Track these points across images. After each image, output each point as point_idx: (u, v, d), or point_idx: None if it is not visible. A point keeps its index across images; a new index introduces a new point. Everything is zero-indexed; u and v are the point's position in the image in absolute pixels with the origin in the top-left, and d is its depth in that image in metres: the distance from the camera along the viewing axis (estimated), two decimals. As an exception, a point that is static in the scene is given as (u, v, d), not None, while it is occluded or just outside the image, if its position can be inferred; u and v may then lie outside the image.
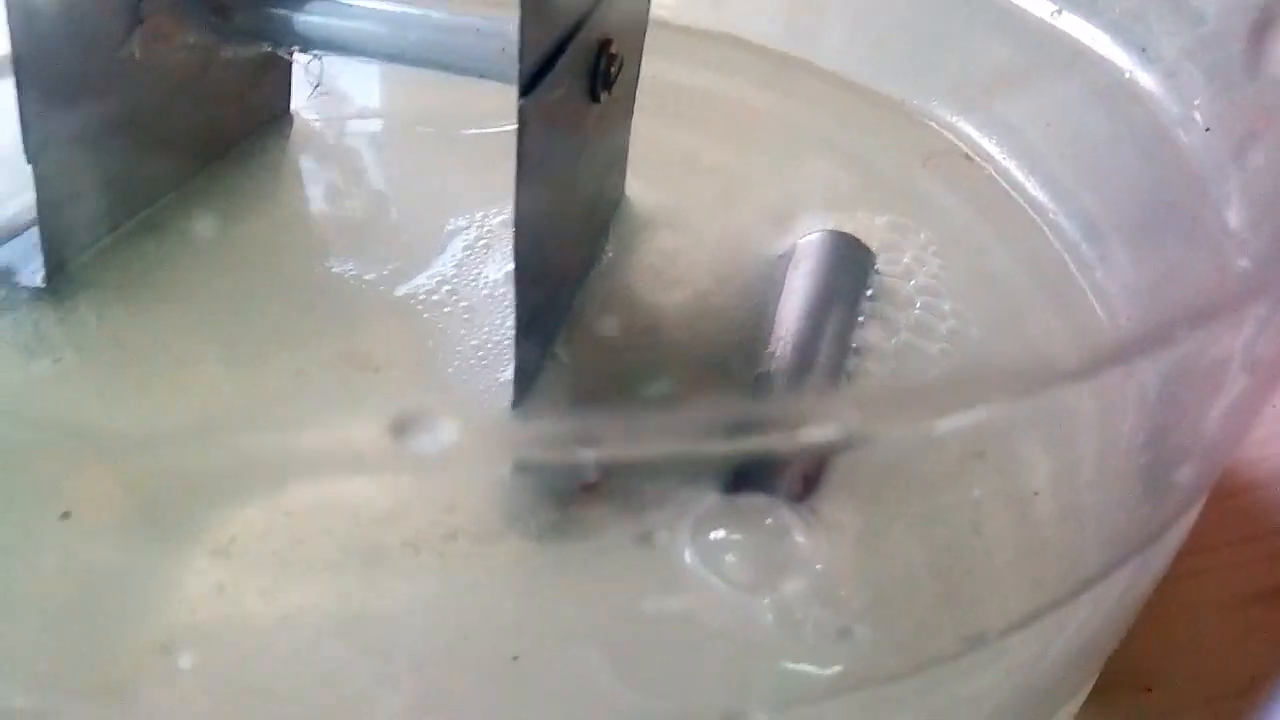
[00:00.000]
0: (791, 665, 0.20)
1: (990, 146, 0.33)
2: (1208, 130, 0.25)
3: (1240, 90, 0.26)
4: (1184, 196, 0.26)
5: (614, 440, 0.16)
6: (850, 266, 0.27)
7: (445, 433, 0.15)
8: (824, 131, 0.35)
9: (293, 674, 0.19)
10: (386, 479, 0.21)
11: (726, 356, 0.25)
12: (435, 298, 0.26)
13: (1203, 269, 0.26)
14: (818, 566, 0.21)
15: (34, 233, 0.23)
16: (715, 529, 0.21)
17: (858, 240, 0.28)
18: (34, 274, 0.24)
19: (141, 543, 0.21)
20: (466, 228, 0.28)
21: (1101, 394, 0.23)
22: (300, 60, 0.24)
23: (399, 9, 0.23)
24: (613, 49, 0.22)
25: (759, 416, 0.17)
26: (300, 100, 0.29)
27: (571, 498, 0.20)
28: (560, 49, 0.20)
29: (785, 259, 0.28)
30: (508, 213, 0.28)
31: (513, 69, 0.20)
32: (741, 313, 0.27)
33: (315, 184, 0.29)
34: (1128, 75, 0.29)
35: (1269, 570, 0.30)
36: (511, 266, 0.27)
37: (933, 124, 0.34)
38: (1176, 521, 0.21)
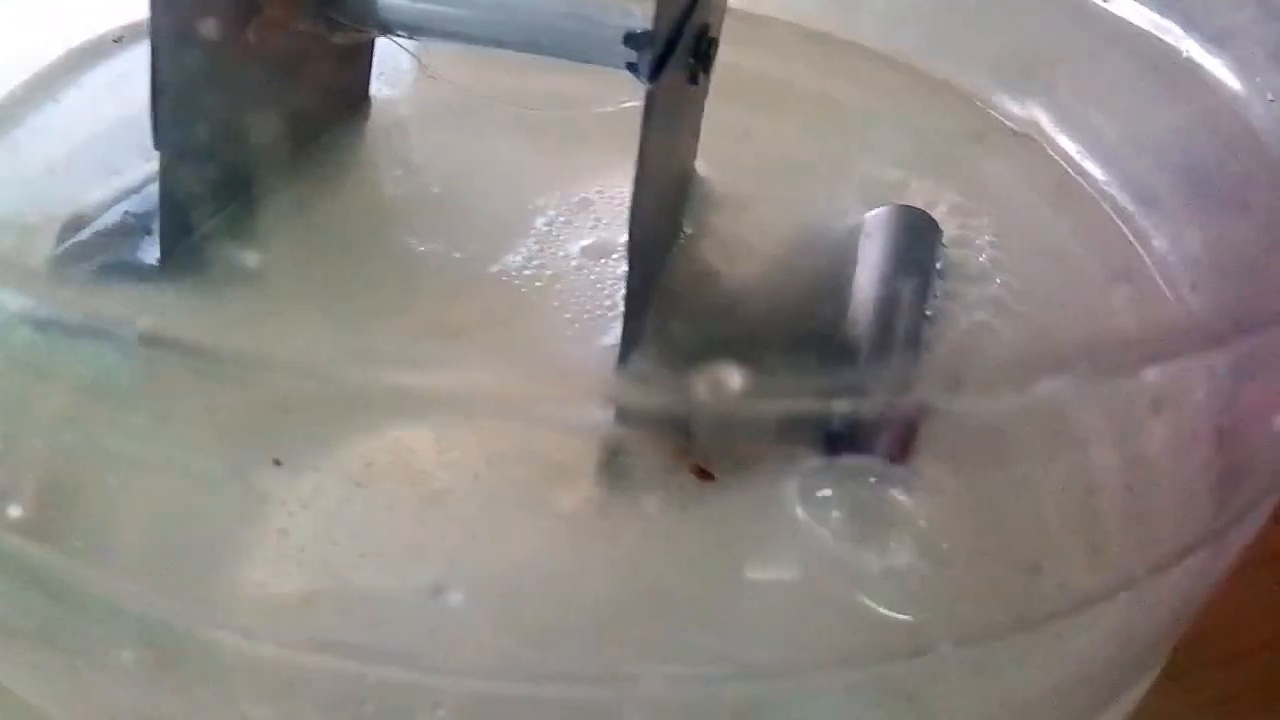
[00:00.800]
0: (899, 615, 0.21)
1: (1041, 121, 0.33)
2: (1271, 100, 0.26)
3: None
4: (1243, 163, 0.27)
5: (723, 400, 0.17)
6: (921, 238, 0.28)
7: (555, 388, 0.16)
8: (873, 110, 0.36)
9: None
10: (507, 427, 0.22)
11: (809, 325, 0.26)
12: (526, 273, 0.27)
13: (1262, 236, 0.27)
14: (920, 523, 0.22)
15: (151, 214, 0.24)
16: (821, 488, 0.22)
17: (925, 213, 0.29)
18: (150, 253, 0.25)
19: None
20: (545, 206, 0.29)
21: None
22: (406, 45, 0.25)
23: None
24: (710, 33, 0.23)
25: (858, 382, 0.18)
26: (387, 84, 0.30)
27: (685, 454, 0.21)
28: (678, 34, 0.21)
29: (855, 232, 0.29)
30: (584, 192, 0.30)
31: (618, 54, 0.21)
32: (818, 284, 0.27)
33: (397, 166, 0.30)
34: (1181, 51, 0.30)
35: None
36: (589, 241, 0.29)
37: (978, 101, 0.35)
38: (1260, 504, 0.22)
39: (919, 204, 0.30)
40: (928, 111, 0.35)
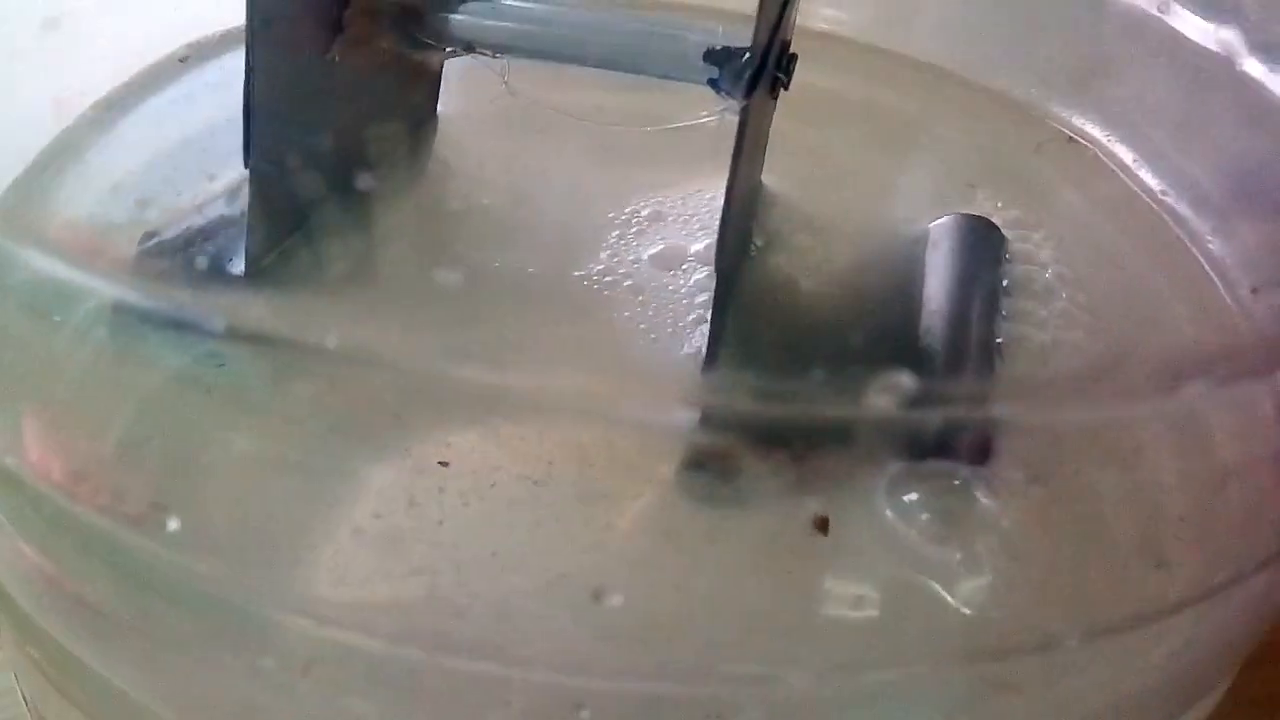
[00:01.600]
0: (984, 615, 0.21)
1: (1096, 131, 0.34)
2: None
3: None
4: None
5: (810, 406, 0.18)
6: (987, 246, 0.29)
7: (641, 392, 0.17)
8: (929, 121, 0.36)
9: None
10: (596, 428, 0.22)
11: (883, 333, 0.27)
12: (601, 284, 0.27)
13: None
14: (1003, 523, 0.22)
15: (238, 225, 0.25)
16: (907, 492, 0.22)
17: (989, 221, 0.29)
18: (236, 265, 0.25)
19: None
20: (616, 218, 0.30)
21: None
22: (491, 63, 0.26)
23: (586, 14, 0.25)
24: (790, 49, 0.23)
25: (940, 391, 0.19)
26: (459, 98, 0.31)
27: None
28: (768, 50, 0.22)
29: (920, 242, 0.29)
30: (654, 204, 0.30)
31: (699, 71, 0.22)
32: (888, 293, 0.28)
33: (466, 181, 0.31)
34: (1235, 63, 0.31)
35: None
36: (658, 250, 0.29)
37: (1035, 112, 0.35)
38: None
39: (984, 213, 0.30)
40: (984, 122, 0.35)
